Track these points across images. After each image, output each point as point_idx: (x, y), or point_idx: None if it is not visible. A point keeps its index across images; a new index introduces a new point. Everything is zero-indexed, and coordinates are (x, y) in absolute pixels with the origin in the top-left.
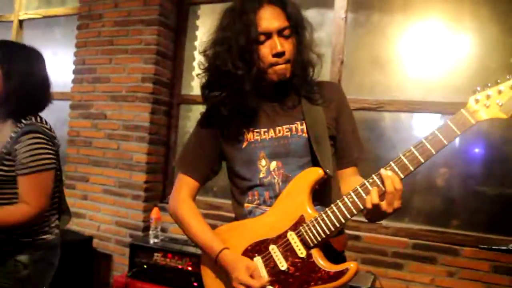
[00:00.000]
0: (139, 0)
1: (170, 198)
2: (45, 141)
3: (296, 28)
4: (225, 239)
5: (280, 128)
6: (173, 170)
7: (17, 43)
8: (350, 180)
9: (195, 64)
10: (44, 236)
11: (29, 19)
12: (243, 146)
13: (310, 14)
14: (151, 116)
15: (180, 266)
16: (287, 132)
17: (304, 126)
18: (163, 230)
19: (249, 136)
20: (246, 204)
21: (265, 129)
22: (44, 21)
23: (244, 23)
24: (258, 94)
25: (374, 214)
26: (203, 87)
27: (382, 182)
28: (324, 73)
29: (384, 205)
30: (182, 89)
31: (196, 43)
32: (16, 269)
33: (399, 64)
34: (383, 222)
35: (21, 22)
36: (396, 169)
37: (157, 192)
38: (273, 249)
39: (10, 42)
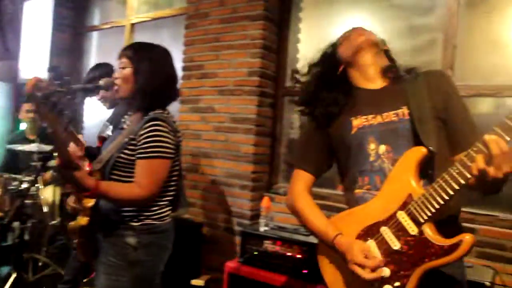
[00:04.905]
0: None
1: (288, 192)
2: (166, 130)
3: None
4: (338, 226)
5: (386, 114)
6: (279, 161)
7: (147, 44)
8: None
9: (298, 56)
10: (154, 222)
11: (140, 22)
12: (352, 132)
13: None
14: (257, 109)
15: (289, 254)
16: (394, 117)
17: (409, 110)
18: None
19: (357, 122)
20: (356, 190)
21: (372, 115)
22: (153, 23)
23: None
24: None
25: (485, 183)
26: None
27: (487, 148)
28: (435, 59)
29: (492, 170)
30: (287, 81)
31: (300, 36)
32: (126, 251)
33: None
34: (500, 215)
35: (132, 25)
36: (501, 132)
37: (264, 182)
38: (384, 230)
39: (140, 42)
